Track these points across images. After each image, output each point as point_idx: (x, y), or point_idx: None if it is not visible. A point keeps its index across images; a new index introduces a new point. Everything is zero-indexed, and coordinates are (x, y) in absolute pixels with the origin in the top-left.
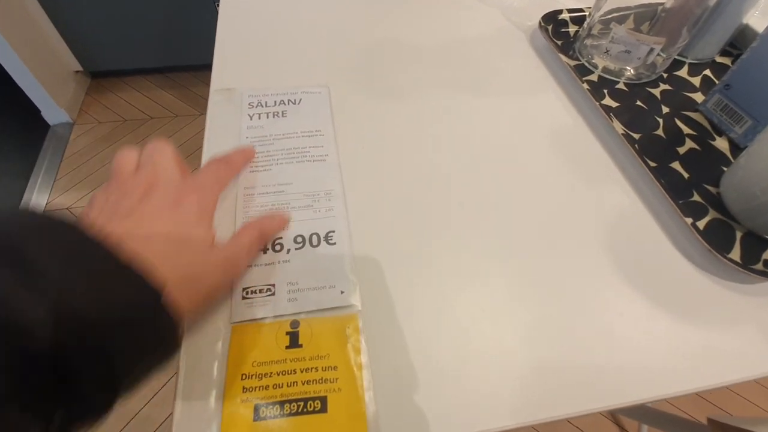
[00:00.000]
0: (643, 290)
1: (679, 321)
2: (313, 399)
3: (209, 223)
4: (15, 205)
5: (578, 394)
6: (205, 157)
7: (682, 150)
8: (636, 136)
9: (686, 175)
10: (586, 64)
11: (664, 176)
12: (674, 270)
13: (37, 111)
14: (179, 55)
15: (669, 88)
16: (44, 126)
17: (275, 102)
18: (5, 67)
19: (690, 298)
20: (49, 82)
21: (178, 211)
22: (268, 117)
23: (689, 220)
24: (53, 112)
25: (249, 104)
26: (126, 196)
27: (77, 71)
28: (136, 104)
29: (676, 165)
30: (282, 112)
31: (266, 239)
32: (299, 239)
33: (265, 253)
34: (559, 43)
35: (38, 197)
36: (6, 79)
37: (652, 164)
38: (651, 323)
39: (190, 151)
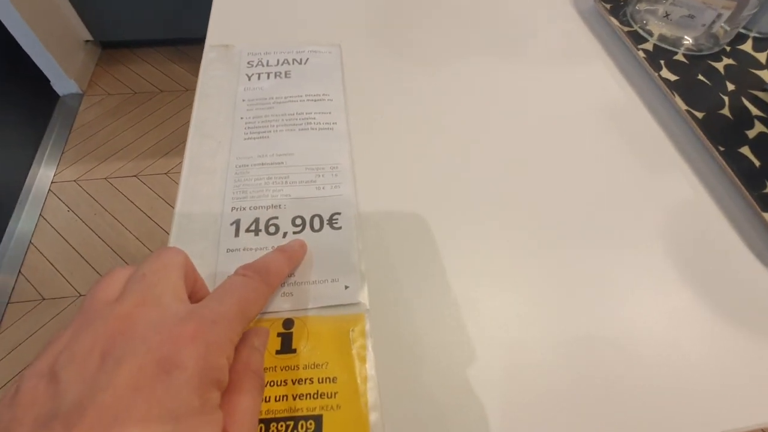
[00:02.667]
0: (710, 300)
1: (755, 338)
2: (306, 418)
3: (216, 397)
4: (22, 177)
5: (630, 422)
6: (193, 124)
7: (751, 134)
8: (699, 114)
9: (757, 163)
10: (640, 31)
11: (734, 163)
12: (747, 275)
13: (47, 81)
14: (191, 27)
15: (733, 62)
16: (54, 96)
17: (278, 61)
18: (15, 36)
19: (766, 309)
20: (58, 52)
21: (163, 391)
22: (269, 77)
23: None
24: (63, 83)
25: (248, 63)
26: (79, 354)
27: (87, 41)
28: (146, 77)
29: (745, 150)
30: (285, 72)
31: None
32: (298, 221)
33: (257, 236)
34: (608, 6)
35: (46, 169)
36: (15, 48)
37: (720, 148)
38: (722, 340)
39: None
